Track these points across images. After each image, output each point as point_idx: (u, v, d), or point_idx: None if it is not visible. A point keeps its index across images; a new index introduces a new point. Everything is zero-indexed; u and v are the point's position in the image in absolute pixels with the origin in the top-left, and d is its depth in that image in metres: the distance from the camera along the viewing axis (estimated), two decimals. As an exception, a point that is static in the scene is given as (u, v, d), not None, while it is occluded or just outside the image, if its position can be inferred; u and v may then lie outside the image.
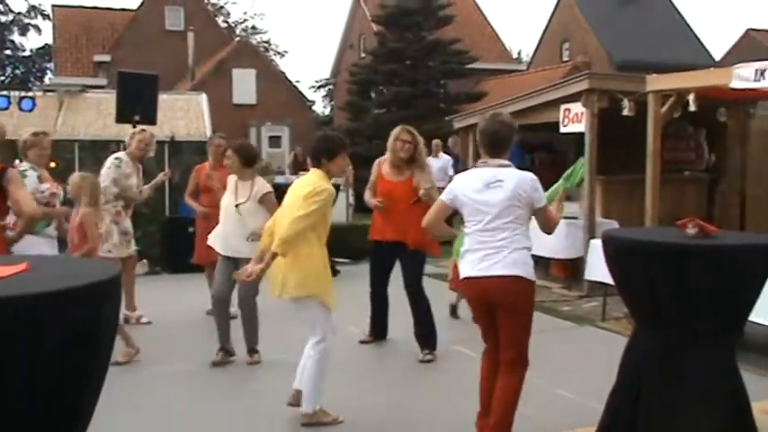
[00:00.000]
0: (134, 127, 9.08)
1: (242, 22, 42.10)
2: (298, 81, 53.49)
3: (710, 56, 32.39)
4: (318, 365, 4.38)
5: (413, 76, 21.64)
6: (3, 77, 40.33)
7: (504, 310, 3.80)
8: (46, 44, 38.80)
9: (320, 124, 28.59)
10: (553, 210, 4.08)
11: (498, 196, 3.76)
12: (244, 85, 25.68)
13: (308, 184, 4.41)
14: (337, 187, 6.16)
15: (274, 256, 4.30)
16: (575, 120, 8.53)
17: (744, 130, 9.59)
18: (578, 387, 4.99)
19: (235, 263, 5.54)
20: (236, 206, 5.69)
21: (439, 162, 13.39)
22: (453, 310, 7.16)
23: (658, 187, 7.65)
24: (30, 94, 13.63)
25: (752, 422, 3.66)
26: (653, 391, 3.59)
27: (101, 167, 6.96)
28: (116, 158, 6.94)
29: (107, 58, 28.12)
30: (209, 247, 6.92)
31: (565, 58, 31.18)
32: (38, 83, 38.01)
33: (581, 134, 8.50)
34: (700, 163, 9.97)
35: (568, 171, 5.15)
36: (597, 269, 6.65)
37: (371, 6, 28.55)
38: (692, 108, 7.36)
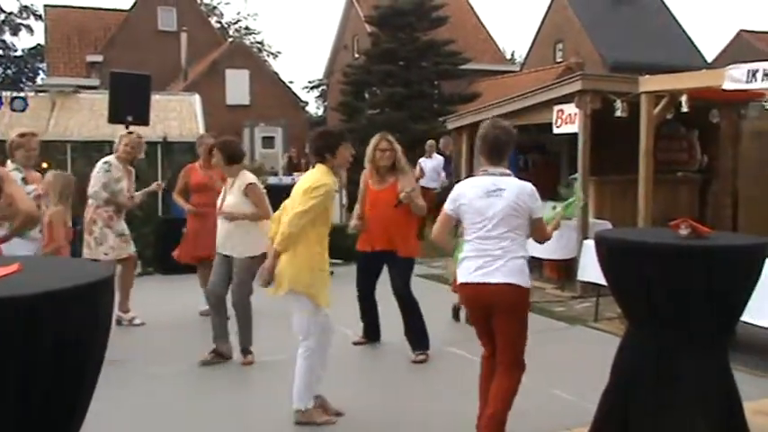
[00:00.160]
0: (127, 128, 9.05)
1: (235, 23, 42.17)
2: (291, 82, 53.50)
3: (703, 57, 32.53)
4: (306, 362, 4.40)
5: (406, 76, 21.64)
6: (-5, 78, 40.26)
7: (501, 315, 3.85)
8: (38, 44, 38.62)
9: (313, 125, 28.56)
10: (549, 229, 4.15)
11: (499, 205, 3.82)
12: (237, 86, 25.66)
13: (309, 180, 4.45)
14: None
15: (277, 253, 4.36)
16: (568, 121, 8.55)
17: (736, 131, 9.62)
18: (573, 387, 5.00)
19: (230, 261, 5.65)
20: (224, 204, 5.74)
21: (432, 162, 13.42)
22: (456, 312, 7.14)
23: (651, 188, 7.68)
24: (22, 94, 13.57)
25: (744, 423, 3.68)
26: (647, 390, 3.60)
27: (93, 169, 6.96)
28: (105, 162, 6.91)
29: (99, 58, 28.00)
30: (195, 246, 6.90)
31: (558, 59, 31.26)
32: (30, 83, 37.86)
33: (574, 135, 8.52)
34: (692, 164, 10.00)
35: (570, 200, 5.18)
36: (590, 270, 6.67)
37: (365, 7, 28.53)
38: (685, 109, 7.39)
